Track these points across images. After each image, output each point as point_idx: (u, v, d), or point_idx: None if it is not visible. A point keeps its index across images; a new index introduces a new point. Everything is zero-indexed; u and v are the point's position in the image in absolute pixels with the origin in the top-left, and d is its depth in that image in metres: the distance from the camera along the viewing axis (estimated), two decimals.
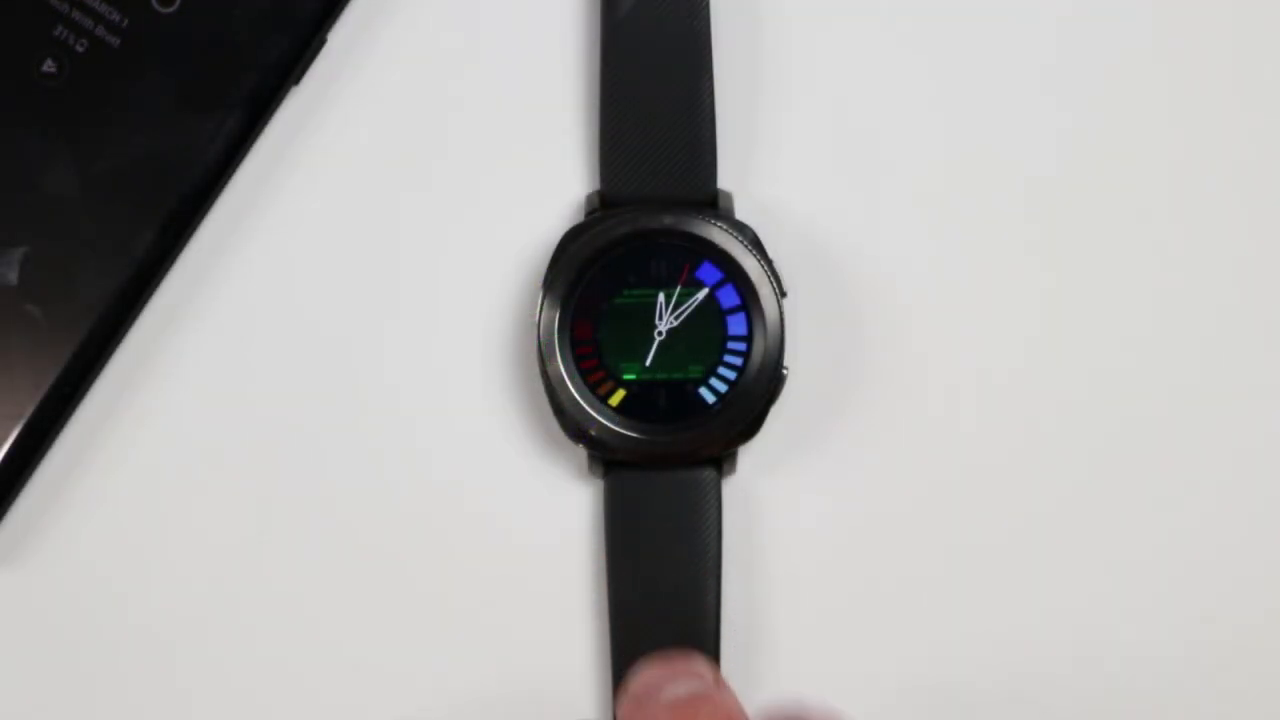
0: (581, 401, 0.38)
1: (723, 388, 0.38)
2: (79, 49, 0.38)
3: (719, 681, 0.34)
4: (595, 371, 0.38)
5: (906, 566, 0.40)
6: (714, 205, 0.39)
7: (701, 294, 0.38)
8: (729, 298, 0.38)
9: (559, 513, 0.40)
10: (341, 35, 0.39)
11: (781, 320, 0.38)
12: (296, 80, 0.39)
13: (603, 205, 0.39)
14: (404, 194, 0.40)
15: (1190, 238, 0.40)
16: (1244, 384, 0.40)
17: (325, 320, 0.40)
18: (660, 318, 0.38)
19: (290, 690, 0.40)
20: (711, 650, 0.38)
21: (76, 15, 0.38)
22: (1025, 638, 0.40)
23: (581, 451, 0.39)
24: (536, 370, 0.38)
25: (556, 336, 0.38)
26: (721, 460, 0.39)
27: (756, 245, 0.38)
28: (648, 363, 0.38)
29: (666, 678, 0.34)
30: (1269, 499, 0.40)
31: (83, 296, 0.38)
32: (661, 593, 0.38)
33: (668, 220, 0.38)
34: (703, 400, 0.38)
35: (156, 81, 0.38)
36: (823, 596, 0.40)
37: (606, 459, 0.38)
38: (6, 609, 0.39)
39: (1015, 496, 0.40)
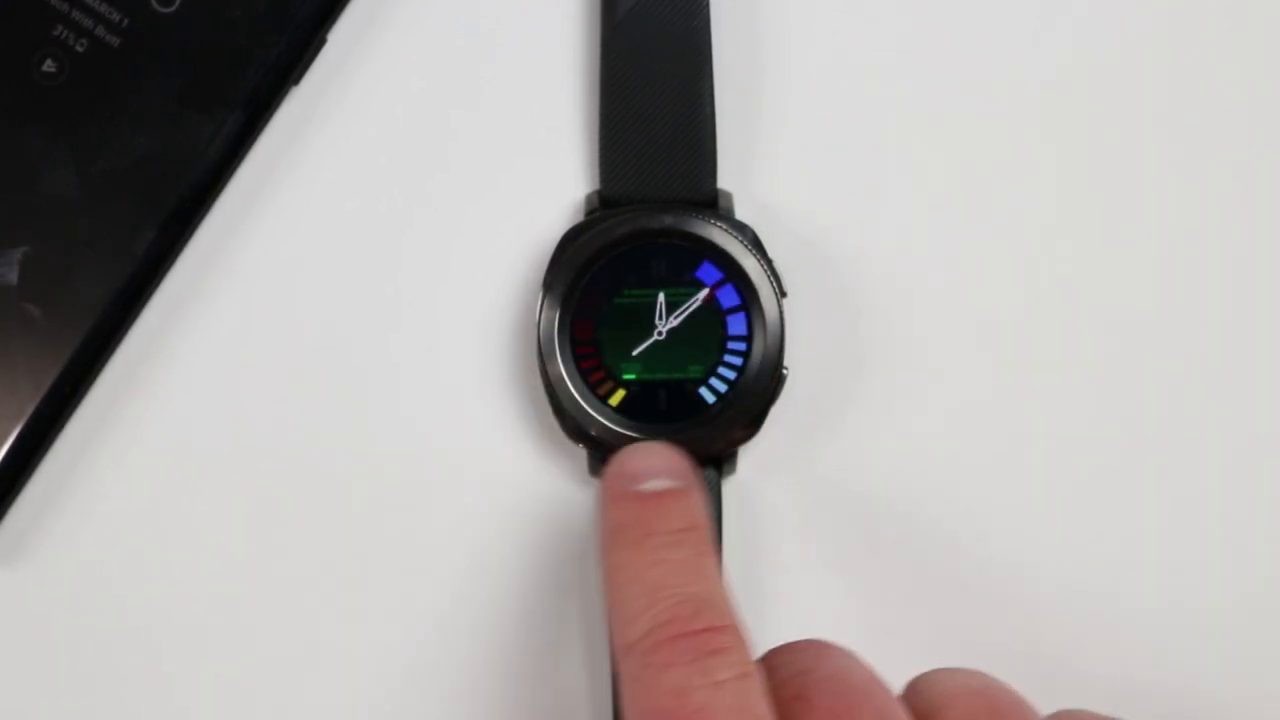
0: (581, 401, 0.38)
1: (723, 388, 0.38)
2: (79, 49, 0.38)
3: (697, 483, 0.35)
4: (595, 371, 0.38)
5: (907, 566, 0.40)
6: (714, 205, 0.39)
7: (701, 294, 0.38)
8: (729, 298, 0.38)
9: (559, 513, 0.40)
10: (341, 35, 0.39)
11: (781, 320, 0.38)
12: (296, 80, 0.39)
13: (603, 205, 0.39)
14: (404, 194, 0.40)
15: (1196, 235, 0.40)
16: (1254, 376, 0.40)
17: (325, 320, 0.40)
18: (660, 318, 0.38)
19: (289, 690, 0.40)
20: None
21: (76, 15, 0.38)
22: (1028, 636, 0.40)
23: (581, 451, 0.39)
24: (536, 370, 0.38)
25: (556, 336, 0.38)
26: (721, 460, 0.39)
27: (756, 245, 0.38)
28: (648, 363, 0.38)
29: (651, 471, 0.35)
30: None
31: (83, 296, 0.38)
32: None
33: (668, 220, 0.38)
34: (703, 400, 0.38)
35: (156, 81, 0.38)
36: (823, 596, 0.40)
37: (607, 459, 0.38)
38: (6, 609, 0.39)
39: (1015, 495, 0.40)
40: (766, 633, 0.40)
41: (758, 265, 0.38)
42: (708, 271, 0.38)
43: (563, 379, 0.38)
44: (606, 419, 0.38)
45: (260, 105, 0.38)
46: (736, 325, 0.38)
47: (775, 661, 0.33)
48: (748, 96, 0.40)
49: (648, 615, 0.32)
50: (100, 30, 0.38)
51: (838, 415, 0.40)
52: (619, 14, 0.39)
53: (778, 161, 0.40)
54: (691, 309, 0.38)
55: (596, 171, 0.39)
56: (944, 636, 0.40)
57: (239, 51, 0.38)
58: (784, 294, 0.38)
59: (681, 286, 0.38)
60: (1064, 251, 0.40)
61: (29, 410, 0.38)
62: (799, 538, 0.40)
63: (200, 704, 0.39)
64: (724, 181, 0.39)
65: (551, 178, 0.40)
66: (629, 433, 0.38)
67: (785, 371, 0.38)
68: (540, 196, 0.40)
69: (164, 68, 0.38)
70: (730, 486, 0.39)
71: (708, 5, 0.39)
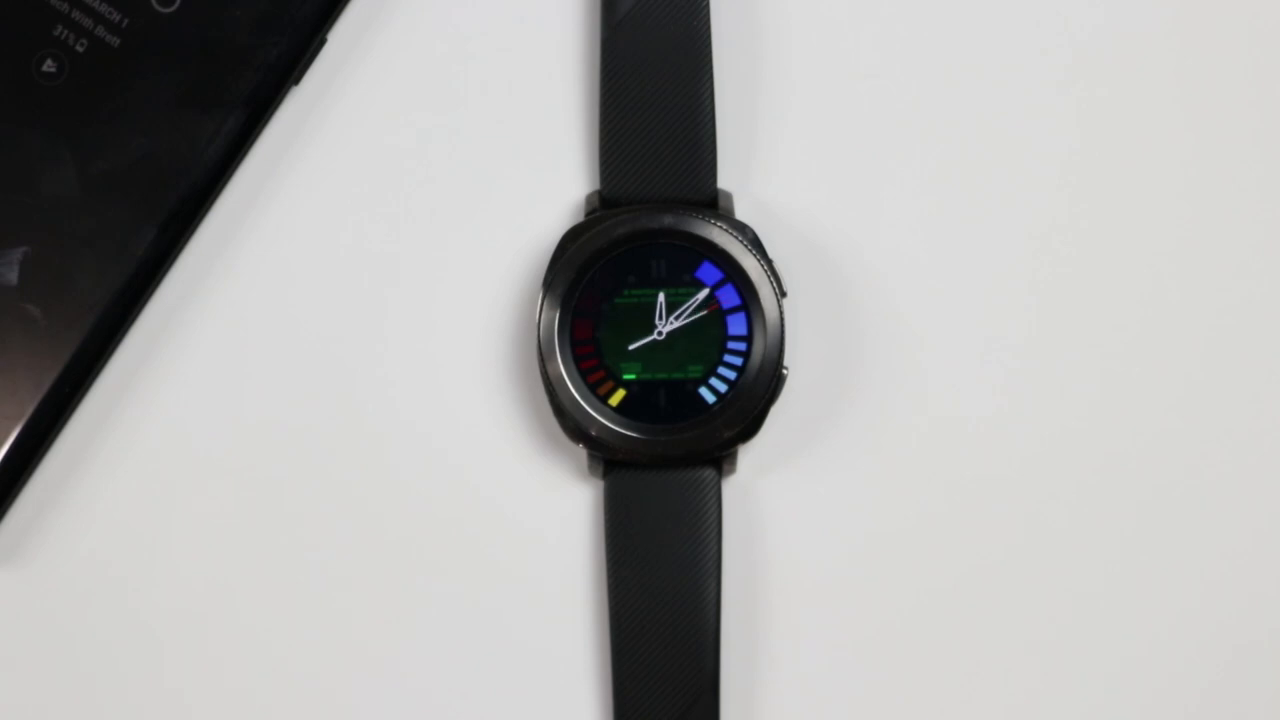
0: (581, 401, 0.38)
1: (723, 388, 0.38)
2: (79, 49, 0.38)
3: None
4: (595, 371, 0.38)
5: (907, 566, 0.40)
6: (714, 205, 0.39)
7: (701, 294, 0.38)
8: (729, 298, 0.38)
9: (559, 513, 0.40)
10: (341, 35, 0.39)
11: (781, 320, 0.38)
12: (296, 80, 0.39)
13: (603, 205, 0.39)
14: (403, 194, 0.40)
15: (1199, 234, 0.40)
16: (1255, 383, 0.40)
17: (325, 320, 0.40)
18: (660, 318, 0.38)
19: (290, 689, 0.40)
20: (711, 651, 0.38)
21: (76, 15, 0.38)
22: (1027, 635, 0.40)
23: (581, 451, 0.39)
24: (536, 370, 0.38)
25: (556, 336, 0.38)
26: (721, 460, 0.39)
27: (756, 245, 0.38)
28: (648, 363, 0.38)
29: None
30: None
31: (83, 296, 0.38)
32: (662, 593, 0.38)
33: (668, 220, 0.38)
34: (703, 400, 0.38)
35: (156, 81, 0.38)
36: (823, 596, 0.40)
37: (607, 459, 0.38)
38: (6, 609, 0.39)
39: (1016, 495, 0.40)
40: (766, 634, 0.40)
41: (758, 265, 0.38)
42: (708, 271, 0.38)
43: (563, 379, 0.38)
44: (606, 419, 0.38)
45: (260, 105, 0.38)
46: (736, 325, 0.38)
47: None
48: (748, 96, 0.40)
49: None
50: (100, 30, 0.38)
51: (838, 415, 0.40)
52: (619, 14, 0.39)
53: (778, 161, 0.40)
54: (691, 309, 0.38)
55: (596, 171, 0.39)
56: (943, 636, 0.40)
57: (239, 51, 0.38)
58: (784, 294, 0.38)
59: (681, 286, 0.38)
60: (1066, 251, 0.40)
61: (29, 410, 0.38)
62: (798, 537, 0.40)
63: (201, 703, 0.39)
64: (724, 181, 0.39)
65: (551, 178, 0.40)
66: (629, 433, 0.38)
67: (785, 371, 0.38)
68: (540, 196, 0.40)
69: (164, 68, 0.38)
70: (730, 486, 0.39)
71: (708, 5, 0.39)
